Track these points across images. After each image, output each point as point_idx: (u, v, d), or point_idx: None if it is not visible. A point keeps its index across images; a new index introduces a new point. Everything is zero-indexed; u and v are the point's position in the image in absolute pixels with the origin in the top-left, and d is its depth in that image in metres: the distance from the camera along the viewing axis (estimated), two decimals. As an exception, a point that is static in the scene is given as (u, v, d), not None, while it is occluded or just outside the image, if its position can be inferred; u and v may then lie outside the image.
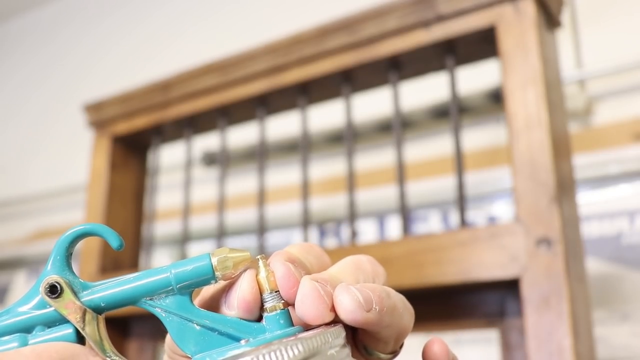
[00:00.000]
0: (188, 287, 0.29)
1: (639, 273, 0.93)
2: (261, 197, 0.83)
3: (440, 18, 0.69)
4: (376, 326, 0.31)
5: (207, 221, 1.16)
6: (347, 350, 0.29)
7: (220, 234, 0.86)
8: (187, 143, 0.93)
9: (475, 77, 0.96)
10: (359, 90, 0.81)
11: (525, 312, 0.57)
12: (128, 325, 0.90)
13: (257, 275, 0.29)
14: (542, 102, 0.61)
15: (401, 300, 0.33)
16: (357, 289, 0.30)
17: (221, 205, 0.87)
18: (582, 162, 0.96)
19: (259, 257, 0.30)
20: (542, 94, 0.61)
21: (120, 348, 0.88)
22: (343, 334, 0.29)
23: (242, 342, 0.28)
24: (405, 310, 0.33)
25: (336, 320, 0.30)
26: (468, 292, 0.68)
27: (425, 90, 1.02)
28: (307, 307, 0.29)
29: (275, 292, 0.29)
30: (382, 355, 0.34)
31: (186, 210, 0.90)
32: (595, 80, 1.05)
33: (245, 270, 0.30)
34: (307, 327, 0.30)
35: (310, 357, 0.26)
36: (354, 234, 0.74)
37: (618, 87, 1.04)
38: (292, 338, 0.26)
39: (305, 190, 0.79)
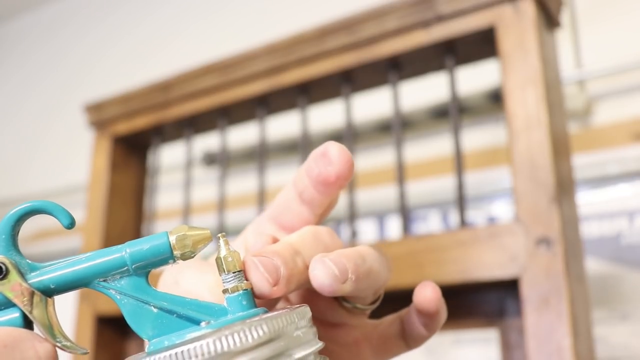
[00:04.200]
0: (144, 268, 0.27)
1: (638, 273, 0.93)
2: (261, 197, 0.83)
3: (440, 18, 0.69)
4: (352, 293, 0.31)
5: (207, 221, 1.16)
6: (314, 331, 0.28)
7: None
8: (187, 143, 0.93)
9: (475, 77, 0.96)
10: (359, 90, 0.81)
11: (525, 312, 0.57)
12: (127, 325, 0.90)
13: (216, 256, 0.28)
14: (542, 102, 0.61)
15: (376, 260, 0.32)
16: (331, 260, 0.29)
17: (221, 205, 0.87)
18: (582, 162, 0.96)
19: (219, 235, 0.29)
20: (541, 94, 0.62)
21: (120, 348, 0.88)
22: (309, 314, 0.28)
23: (203, 324, 0.27)
24: (382, 268, 0.33)
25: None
26: (468, 292, 0.68)
27: (425, 90, 1.02)
28: (252, 284, 0.28)
29: (238, 272, 0.28)
30: (362, 307, 0.34)
31: (186, 210, 0.90)
32: (594, 80, 1.05)
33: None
34: (271, 309, 0.29)
35: (275, 339, 0.25)
36: (353, 234, 0.74)
37: (618, 87, 1.05)
38: (256, 319, 0.25)
39: (305, 190, 0.79)
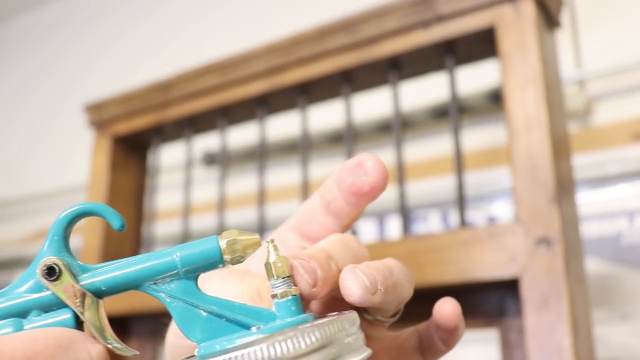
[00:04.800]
0: (194, 271, 0.27)
1: (638, 273, 0.93)
2: (261, 197, 0.83)
3: (440, 18, 0.69)
4: (380, 305, 0.31)
5: (207, 221, 1.16)
6: (363, 337, 0.28)
7: (221, 234, 0.86)
8: (187, 143, 0.93)
9: (475, 77, 0.96)
10: (359, 90, 0.81)
11: (525, 312, 0.57)
12: (128, 325, 0.90)
13: (265, 261, 0.28)
14: (542, 103, 0.61)
15: (402, 273, 0.33)
16: (362, 271, 0.30)
17: (221, 205, 0.87)
18: (582, 162, 0.96)
19: (268, 241, 0.29)
20: (541, 94, 0.62)
21: (120, 348, 0.88)
22: (358, 321, 0.28)
23: (253, 329, 0.27)
24: (407, 282, 0.33)
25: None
26: (468, 292, 0.68)
27: (425, 90, 1.02)
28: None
29: (287, 277, 0.28)
30: (383, 319, 0.34)
31: (186, 210, 0.90)
32: (594, 80, 1.05)
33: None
34: (319, 315, 0.29)
35: (327, 345, 0.25)
36: (353, 234, 0.75)
37: (618, 87, 1.05)
38: (308, 325, 0.25)
39: (305, 190, 0.79)
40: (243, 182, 1.27)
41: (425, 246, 0.64)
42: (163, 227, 1.25)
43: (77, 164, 1.54)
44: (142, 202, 0.99)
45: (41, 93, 1.97)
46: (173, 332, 0.37)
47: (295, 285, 0.28)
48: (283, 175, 1.27)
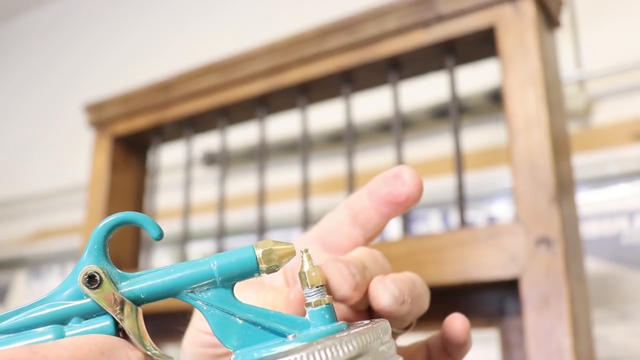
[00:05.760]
0: (231, 280, 0.28)
1: (638, 273, 0.93)
2: (261, 197, 0.83)
3: (440, 18, 0.69)
4: (405, 315, 0.32)
5: (207, 221, 1.16)
6: (395, 345, 0.28)
7: (220, 234, 0.86)
8: (187, 143, 0.93)
9: (475, 77, 0.96)
10: (359, 90, 0.81)
11: (525, 311, 0.57)
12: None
13: (299, 270, 0.29)
14: (542, 103, 0.61)
15: (422, 286, 0.34)
16: (391, 281, 0.31)
17: (221, 205, 0.87)
18: (582, 162, 0.96)
19: (302, 250, 0.30)
20: (541, 94, 0.62)
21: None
22: (390, 329, 0.28)
23: (290, 337, 0.27)
24: (426, 294, 0.35)
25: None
26: (468, 292, 0.68)
27: (425, 90, 1.02)
28: (332, 286, 0.30)
29: (320, 286, 0.29)
30: (397, 331, 0.35)
31: (186, 210, 0.90)
32: (594, 80, 1.05)
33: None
34: (351, 323, 0.30)
35: (364, 354, 0.25)
36: (353, 234, 0.74)
37: (618, 87, 1.05)
38: (345, 334, 0.26)
39: (305, 190, 0.79)
40: (243, 182, 1.27)
41: (425, 246, 0.64)
42: (163, 227, 1.24)
43: (77, 164, 1.54)
44: (142, 202, 0.99)
45: (41, 93, 1.97)
46: (188, 340, 0.37)
47: (332, 289, 0.30)
48: (283, 175, 1.27)
